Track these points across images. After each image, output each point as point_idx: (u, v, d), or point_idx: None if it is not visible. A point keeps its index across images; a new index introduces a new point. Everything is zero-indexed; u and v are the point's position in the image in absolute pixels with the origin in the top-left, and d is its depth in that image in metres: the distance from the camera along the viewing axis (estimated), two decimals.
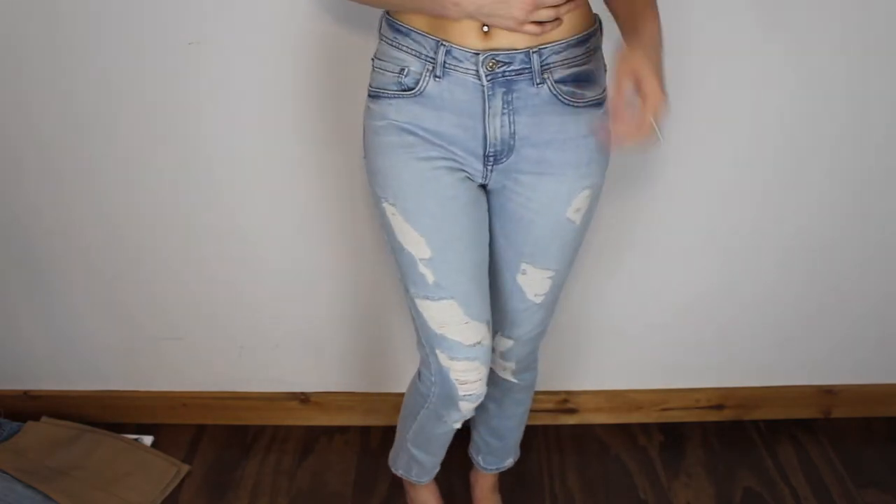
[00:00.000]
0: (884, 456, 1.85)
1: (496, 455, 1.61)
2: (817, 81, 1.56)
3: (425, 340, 1.30)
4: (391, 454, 1.60)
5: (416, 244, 1.22)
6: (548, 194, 1.22)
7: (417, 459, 1.53)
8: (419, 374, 1.38)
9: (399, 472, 1.60)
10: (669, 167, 1.64)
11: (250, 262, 1.75)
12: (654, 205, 1.68)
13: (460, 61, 1.12)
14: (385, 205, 1.23)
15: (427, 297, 1.25)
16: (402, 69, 1.15)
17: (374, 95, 1.20)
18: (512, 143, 1.17)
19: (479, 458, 1.62)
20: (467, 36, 1.11)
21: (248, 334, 1.85)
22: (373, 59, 1.20)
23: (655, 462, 1.84)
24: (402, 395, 1.89)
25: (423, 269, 1.23)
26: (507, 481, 1.78)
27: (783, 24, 1.50)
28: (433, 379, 1.33)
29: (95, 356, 1.89)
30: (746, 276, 1.77)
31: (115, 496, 1.72)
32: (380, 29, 1.19)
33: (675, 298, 1.80)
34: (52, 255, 1.76)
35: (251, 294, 1.79)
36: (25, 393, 1.94)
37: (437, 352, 1.29)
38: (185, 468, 1.82)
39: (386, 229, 1.27)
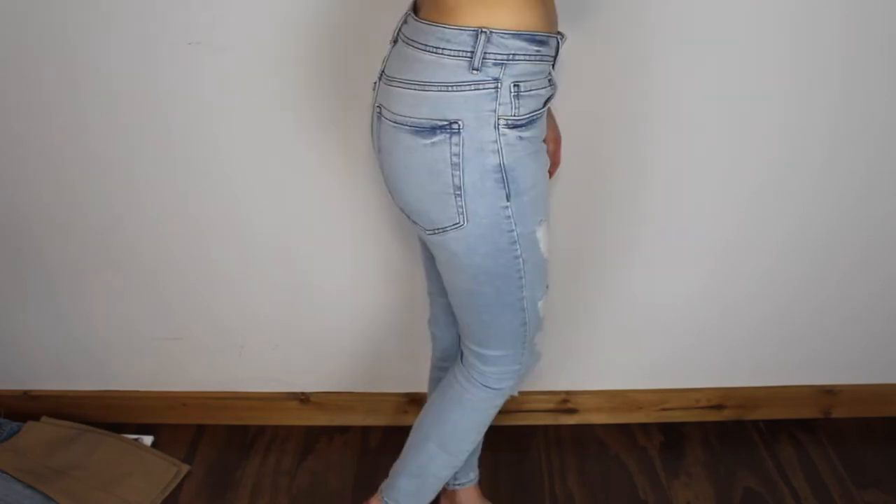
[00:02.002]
0: (884, 456, 1.85)
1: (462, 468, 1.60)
2: (813, 81, 1.56)
3: (529, 336, 1.28)
4: (453, 475, 1.54)
5: (548, 248, 1.21)
6: None
7: (472, 454, 1.56)
8: (484, 388, 1.34)
9: (459, 485, 1.61)
10: (668, 167, 1.64)
11: (250, 263, 1.75)
12: (654, 205, 1.68)
13: (558, 51, 1.11)
14: (543, 225, 1.17)
15: (545, 294, 1.26)
16: (549, 80, 1.09)
17: (528, 123, 1.07)
18: None
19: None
20: (557, 22, 1.11)
21: (248, 334, 1.85)
22: (512, 87, 1.05)
23: (655, 462, 1.84)
24: (402, 395, 1.91)
25: (547, 267, 1.24)
26: (507, 481, 1.78)
27: (780, 23, 1.50)
28: (516, 367, 1.31)
29: (95, 356, 1.89)
30: (746, 275, 1.77)
31: (115, 496, 1.72)
32: (505, 54, 1.03)
33: (674, 298, 1.80)
34: (51, 255, 1.76)
35: (251, 294, 1.79)
36: (25, 393, 1.94)
37: (536, 337, 1.30)
38: (185, 468, 1.82)
39: (529, 252, 1.17)
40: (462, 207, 1.09)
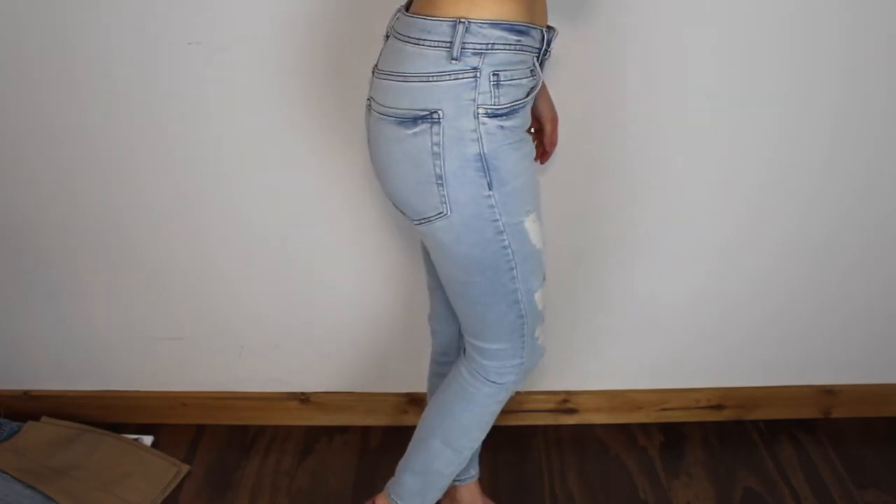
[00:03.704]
0: (884, 456, 1.85)
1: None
2: (812, 81, 1.56)
3: (529, 329, 1.28)
4: (457, 473, 1.50)
5: (540, 239, 1.22)
6: None
7: (476, 452, 1.57)
8: (487, 382, 1.34)
9: (459, 481, 1.60)
10: (668, 167, 1.64)
11: (251, 262, 1.75)
12: (653, 204, 1.68)
13: (543, 44, 1.13)
14: (531, 216, 1.18)
15: (541, 285, 1.26)
16: (532, 71, 1.11)
17: (509, 112, 1.08)
18: None
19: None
20: (545, 15, 1.13)
21: (248, 334, 1.85)
22: (492, 76, 1.06)
23: (655, 462, 1.84)
24: (402, 395, 1.91)
25: (541, 258, 1.24)
26: (508, 481, 1.78)
27: (780, 23, 1.50)
28: (519, 362, 1.31)
29: (95, 356, 1.89)
30: (746, 275, 1.77)
31: (115, 496, 1.72)
32: (483, 44, 1.05)
33: (674, 298, 1.80)
34: (51, 255, 1.76)
35: (251, 294, 1.79)
36: (25, 393, 1.94)
37: (537, 330, 1.30)
38: (185, 468, 1.82)
39: (518, 243, 1.18)
40: (445, 197, 1.11)
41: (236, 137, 1.61)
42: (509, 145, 1.11)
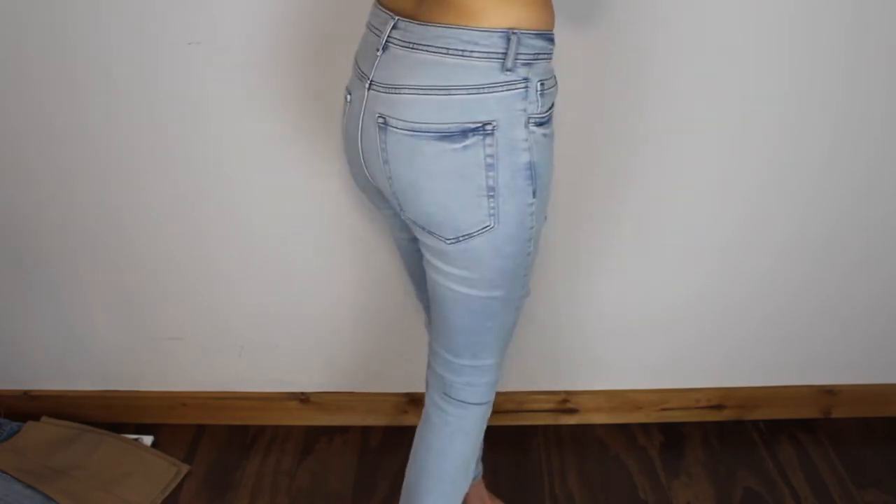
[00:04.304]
0: (884, 456, 1.85)
1: None
2: (812, 81, 1.56)
3: (510, 338, 1.27)
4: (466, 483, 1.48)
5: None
6: None
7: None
8: (481, 404, 1.32)
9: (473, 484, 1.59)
10: (667, 167, 1.64)
11: (251, 262, 1.75)
12: (653, 204, 1.68)
13: None
14: (545, 221, 1.17)
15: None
16: (555, 78, 1.12)
17: (548, 121, 1.09)
18: None
19: None
20: None
21: (248, 334, 1.85)
22: (538, 86, 1.07)
23: (655, 462, 1.84)
24: (402, 394, 1.91)
25: None
26: (508, 481, 1.78)
27: (780, 23, 1.50)
28: (498, 375, 1.30)
29: (95, 356, 1.89)
30: (746, 275, 1.77)
31: (115, 496, 1.72)
32: (531, 54, 1.05)
33: (674, 298, 1.80)
34: (51, 255, 1.76)
35: (251, 294, 1.79)
36: (25, 393, 1.94)
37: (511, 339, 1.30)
38: (185, 468, 1.82)
39: (535, 249, 1.18)
40: (494, 209, 1.09)
41: (236, 137, 1.61)
42: (549, 151, 1.11)
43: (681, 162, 1.63)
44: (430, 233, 1.14)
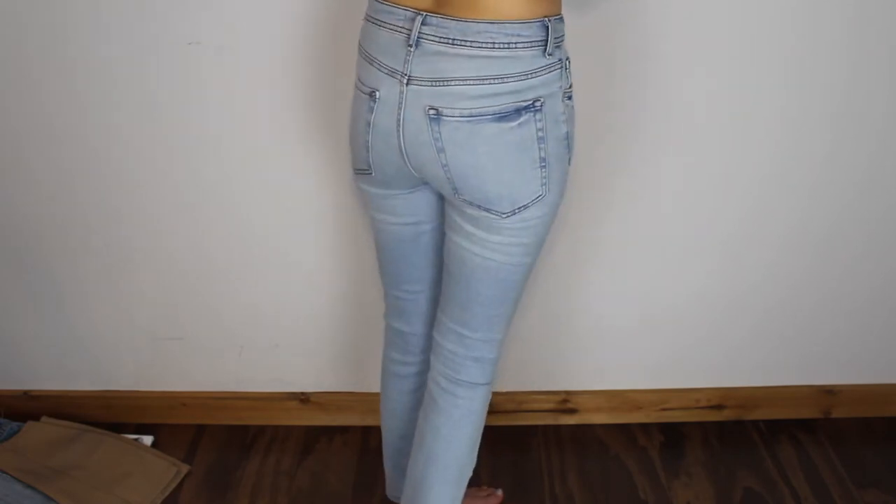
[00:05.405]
0: (884, 456, 1.85)
1: None
2: (814, 75, 1.56)
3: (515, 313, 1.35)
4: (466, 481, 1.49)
5: None
6: None
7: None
8: (487, 384, 1.37)
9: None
10: (667, 166, 1.64)
11: (251, 262, 1.75)
12: (653, 204, 1.68)
13: None
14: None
15: None
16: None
17: (572, 94, 1.19)
18: None
19: None
20: None
21: (248, 334, 1.85)
22: (567, 63, 1.16)
23: (655, 462, 1.84)
24: None
25: None
26: (507, 481, 1.78)
27: (782, 18, 1.50)
28: (500, 353, 1.37)
29: (96, 356, 1.89)
30: (746, 275, 1.77)
31: (115, 496, 1.72)
32: (560, 37, 1.14)
33: (674, 298, 1.80)
34: (52, 255, 1.76)
35: (251, 294, 1.79)
36: (25, 393, 1.94)
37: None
38: (185, 468, 1.82)
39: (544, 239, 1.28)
40: (546, 178, 1.18)
41: (236, 137, 1.61)
42: (574, 122, 1.22)
43: (682, 156, 1.63)
44: (486, 209, 1.19)
